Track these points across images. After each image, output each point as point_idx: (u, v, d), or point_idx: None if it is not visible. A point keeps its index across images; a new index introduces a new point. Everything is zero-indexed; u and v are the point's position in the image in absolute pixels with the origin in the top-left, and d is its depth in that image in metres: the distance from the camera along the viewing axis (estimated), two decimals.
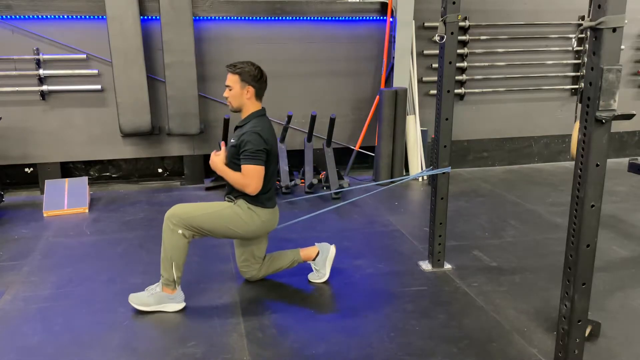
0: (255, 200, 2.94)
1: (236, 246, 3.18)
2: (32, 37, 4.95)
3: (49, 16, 4.93)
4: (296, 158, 5.64)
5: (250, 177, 2.82)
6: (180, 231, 2.81)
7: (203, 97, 5.36)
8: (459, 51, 5.66)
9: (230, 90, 2.92)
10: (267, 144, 2.87)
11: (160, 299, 2.88)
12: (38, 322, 2.80)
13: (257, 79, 2.92)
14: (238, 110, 2.99)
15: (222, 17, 5.29)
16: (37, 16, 4.91)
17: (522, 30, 5.98)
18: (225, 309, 2.93)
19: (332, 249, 3.26)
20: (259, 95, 2.98)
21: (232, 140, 2.94)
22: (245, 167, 2.83)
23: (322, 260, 3.23)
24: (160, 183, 5.65)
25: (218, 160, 2.93)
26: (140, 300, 2.89)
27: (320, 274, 3.24)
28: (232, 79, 2.90)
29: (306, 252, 3.23)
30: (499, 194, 5.14)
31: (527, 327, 2.73)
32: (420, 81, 5.80)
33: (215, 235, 2.95)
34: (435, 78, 5.55)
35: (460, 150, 6.13)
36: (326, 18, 5.51)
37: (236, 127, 3.01)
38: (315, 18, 5.49)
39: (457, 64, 5.50)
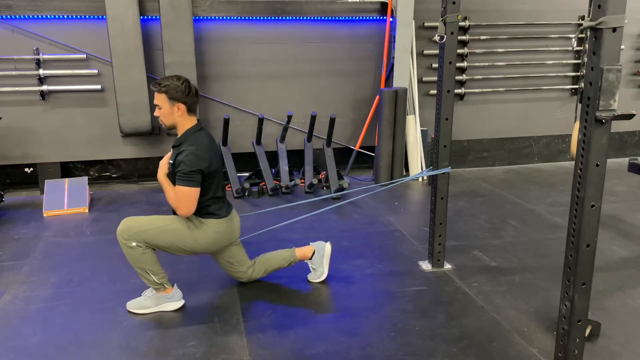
0: (206, 212, 2.82)
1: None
2: (32, 37, 4.95)
3: (49, 16, 4.93)
4: (296, 158, 5.64)
5: (183, 199, 2.67)
6: (134, 243, 2.72)
7: (203, 97, 5.35)
8: (459, 51, 5.66)
9: (159, 109, 2.73)
10: (204, 162, 2.69)
11: (158, 300, 2.88)
12: (38, 322, 2.80)
13: (185, 94, 2.71)
14: (173, 128, 2.80)
15: (222, 17, 5.30)
16: (37, 16, 4.91)
17: (522, 30, 5.98)
18: (225, 309, 2.93)
19: (328, 246, 3.25)
20: (191, 110, 2.78)
21: (170, 161, 2.78)
22: (178, 189, 2.68)
23: (318, 258, 3.22)
24: None
25: (160, 170, 2.78)
26: (138, 305, 2.89)
27: (318, 273, 3.24)
28: (159, 98, 2.71)
29: (302, 252, 3.22)
30: (499, 194, 5.14)
31: (527, 327, 2.73)
32: (420, 81, 5.80)
33: (167, 251, 2.83)
34: (435, 78, 5.56)
35: (460, 150, 6.13)
36: (326, 18, 5.51)
37: (173, 146, 2.82)
38: (315, 18, 5.49)
39: (457, 64, 5.51)
